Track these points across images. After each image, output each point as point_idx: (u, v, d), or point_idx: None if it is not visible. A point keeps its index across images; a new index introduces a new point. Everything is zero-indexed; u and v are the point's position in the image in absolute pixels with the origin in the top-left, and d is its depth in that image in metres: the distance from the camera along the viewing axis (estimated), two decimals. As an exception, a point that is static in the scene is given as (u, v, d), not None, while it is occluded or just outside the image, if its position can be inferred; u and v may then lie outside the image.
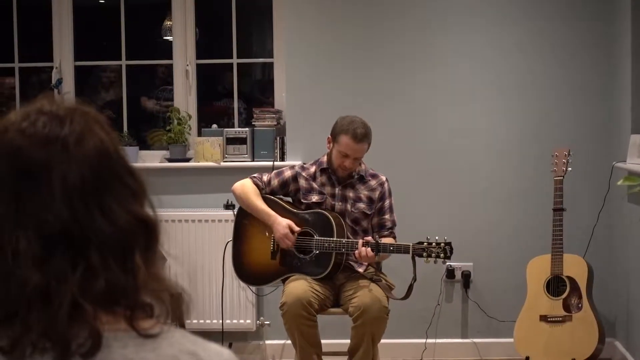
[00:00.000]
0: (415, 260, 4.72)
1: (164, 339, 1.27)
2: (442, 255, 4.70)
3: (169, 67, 6.45)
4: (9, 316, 1.20)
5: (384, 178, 5.05)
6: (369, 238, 4.79)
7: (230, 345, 5.99)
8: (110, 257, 1.23)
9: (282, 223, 4.88)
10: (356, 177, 5.00)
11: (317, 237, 4.87)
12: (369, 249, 4.67)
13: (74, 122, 1.27)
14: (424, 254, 4.70)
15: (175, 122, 6.12)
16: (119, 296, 1.24)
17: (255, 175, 5.07)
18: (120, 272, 1.24)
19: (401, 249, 4.74)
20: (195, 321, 5.81)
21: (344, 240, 4.81)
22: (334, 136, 4.93)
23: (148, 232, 1.29)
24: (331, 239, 4.82)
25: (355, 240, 4.77)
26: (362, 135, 4.85)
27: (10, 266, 1.20)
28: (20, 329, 1.19)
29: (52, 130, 1.26)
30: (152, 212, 1.31)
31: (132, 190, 1.29)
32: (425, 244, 4.71)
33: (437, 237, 4.72)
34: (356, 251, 4.71)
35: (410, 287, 4.79)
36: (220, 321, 5.94)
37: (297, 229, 4.89)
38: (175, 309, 1.30)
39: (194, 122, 6.27)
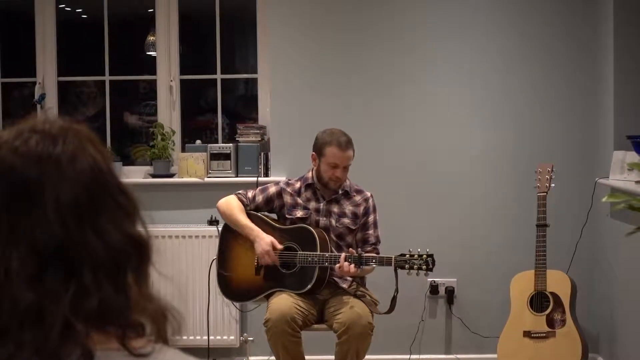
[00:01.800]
0: (397, 272, 4.73)
1: (156, 358, 1.27)
2: (424, 267, 4.70)
3: (151, 83, 6.44)
4: (1, 335, 1.19)
5: (368, 194, 5.06)
6: (352, 251, 4.79)
7: (213, 362, 5.98)
8: (102, 276, 1.23)
9: (265, 239, 4.88)
10: (341, 192, 5.01)
11: (300, 252, 4.86)
12: (352, 265, 4.68)
13: (66, 140, 1.27)
14: (406, 265, 4.71)
15: (159, 137, 6.11)
16: (111, 315, 1.23)
17: (240, 191, 5.08)
18: (112, 291, 1.23)
19: (383, 261, 4.75)
20: (178, 337, 5.78)
21: (326, 254, 4.80)
22: (319, 151, 4.94)
23: (140, 251, 1.29)
24: (314, 253, 4.82)
25: (337, 254, 4.78)
26: (347, 142, 4.90)
27: (2, 285, 1.19)
28: (12, 347, 1.18)
29: (45, 149, 1.25)
30: (144, 231, 1.31)
31: (124, 209, 1.29)
32: (407, 255, 4.72)
33: (419, 249, 4.73)
34: (337, 264, 4.71)
35: (394, 300, 4.80)
36: (204, 337, 5.93)
37: (279, 247, 4.88)
38: (166, 327, 1.30)
39: (177, 138, 6.26)
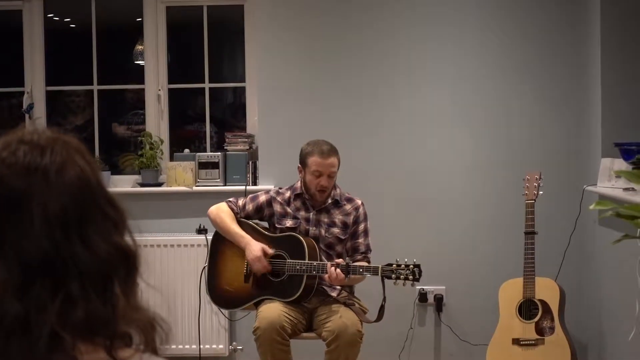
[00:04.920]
0: (384, 281, 4.74)
1: (143, 369, 1.27)
2: (410, 277, 4.70)
3: (139, 92, 6.44)
4: (-12, 346, 1.19)
5: (359, 202, 5.07)
6: (340, 260, 4.79)
7: (202, 371, 5.97)
8: (90, 287, 1.23)
9: (256, 246, 4.88)
10: (331, 201, 5.01)
11: (289, 260, 4.86)
12: (338, 270, 4.68)
13: (54, 151, 1.27)
14: (393, 275, 4.70)
15: (147, 146, 6.11)
16: (98, 326, 1.23)
17: (231, 199, 5.08)
18: (99, 302, 1.23)
19: (370, 271, 4.75)
20: (167, 347, 5.76)
21: (314, 263, 4.80)
22: (303, 162, 4.96)
23: (128, 262, 1.29)
24: (302, 261, 4.82)
25: (325, 263, 4.78)
26: (329, 150, 4.91)
27: None
28: (-1, 358, 1.18)
29: (33, 159, 1.25)
30: (132, 241, 1.31)
31: (112, 220, 1.29)
32: (394, 265, 4.72)
33: (406, 259, 4.73)
34: (326, 274, 4.71)
35: (382, 308, 4.80)
36: (193, 346, 5.92)
37: (270, 251, 4.89)
38: (154, 338, 1.30)
39: (166, 147, 6.26)
